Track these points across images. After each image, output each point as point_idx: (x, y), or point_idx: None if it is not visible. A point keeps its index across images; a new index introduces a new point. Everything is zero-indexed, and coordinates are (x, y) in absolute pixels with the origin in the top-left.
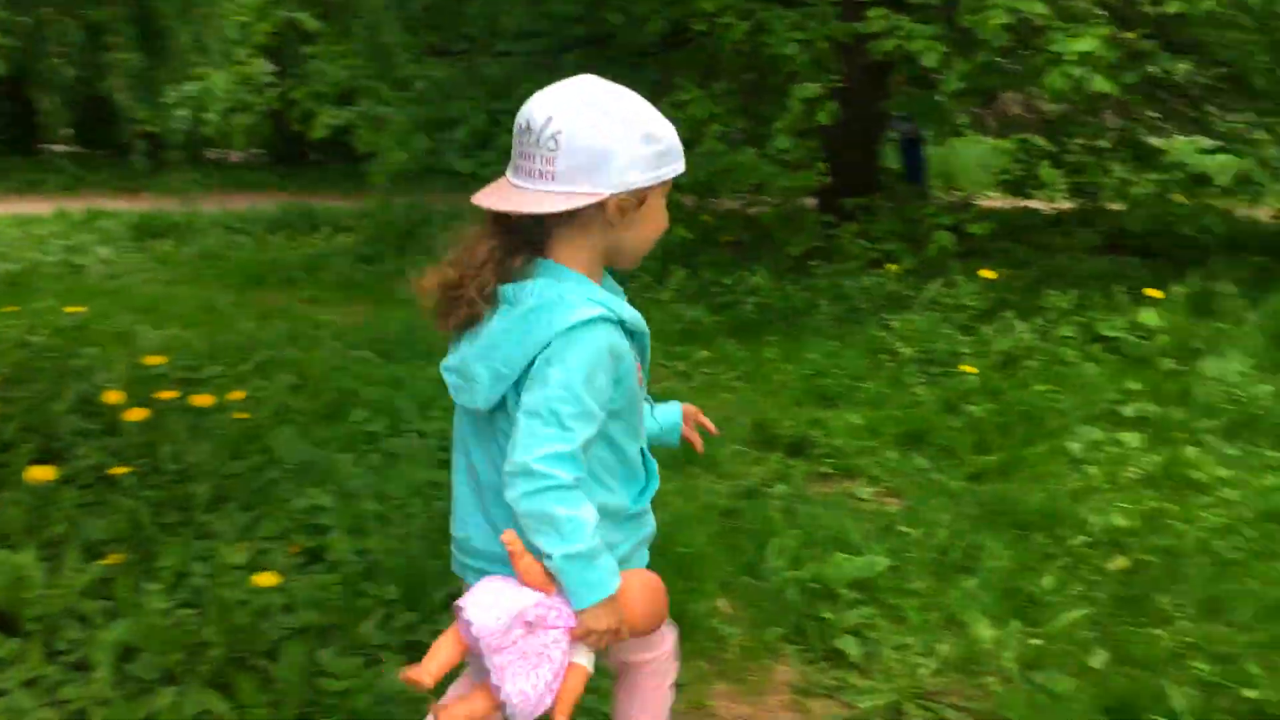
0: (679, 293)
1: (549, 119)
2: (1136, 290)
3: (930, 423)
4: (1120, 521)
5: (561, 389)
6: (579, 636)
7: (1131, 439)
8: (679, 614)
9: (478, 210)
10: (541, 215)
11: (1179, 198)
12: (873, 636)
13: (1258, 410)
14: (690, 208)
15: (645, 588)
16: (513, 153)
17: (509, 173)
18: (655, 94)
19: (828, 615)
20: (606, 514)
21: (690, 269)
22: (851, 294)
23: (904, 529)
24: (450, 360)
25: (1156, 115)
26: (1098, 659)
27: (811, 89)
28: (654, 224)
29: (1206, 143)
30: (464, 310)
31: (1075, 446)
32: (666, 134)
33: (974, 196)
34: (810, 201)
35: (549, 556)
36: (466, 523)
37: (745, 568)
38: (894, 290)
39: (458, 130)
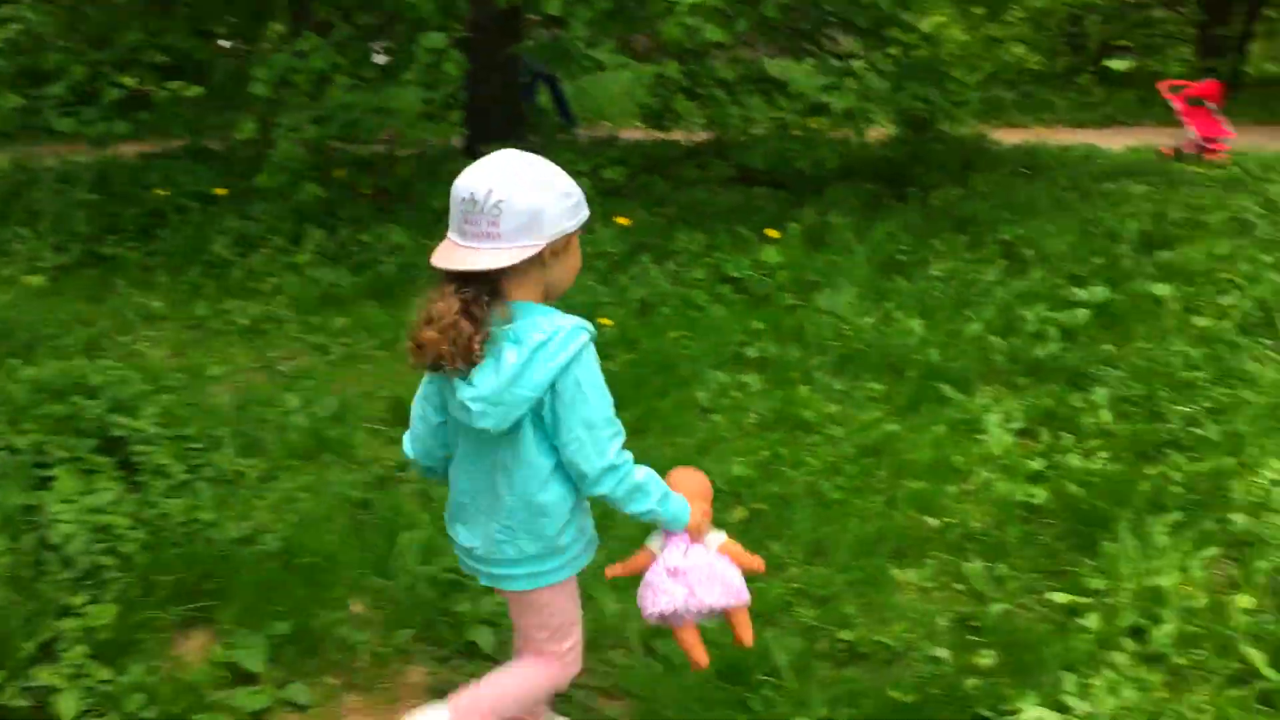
0: (318, 254)
1: (489, 191)
2: (762, 227)
3: None
4: (739, 470)
5: (599, 398)
6: (695, 537)
7: (754, 381)
8: (304, 628)
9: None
10: (485, 270)
11: (796, 129)
12: (506, 624)
13: (861, 344)
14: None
15: (686, 481)
16: (455, 219)
17: (454, 236)
18: (280, 42)
19: (461, 608)
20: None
21: (328, 228)
22: None
23: None
24: (476, 392)
25: (777, 48)
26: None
27: (438, 39)
28: (575, 259)
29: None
30: (461, 359)
31: (703, 395)
32: (575, 188)
33: (621, 129)
34: (458, 143)
35: (648, 511)
36: (468, 524)
37: (376, 566)
38: None
39: (55, 84)
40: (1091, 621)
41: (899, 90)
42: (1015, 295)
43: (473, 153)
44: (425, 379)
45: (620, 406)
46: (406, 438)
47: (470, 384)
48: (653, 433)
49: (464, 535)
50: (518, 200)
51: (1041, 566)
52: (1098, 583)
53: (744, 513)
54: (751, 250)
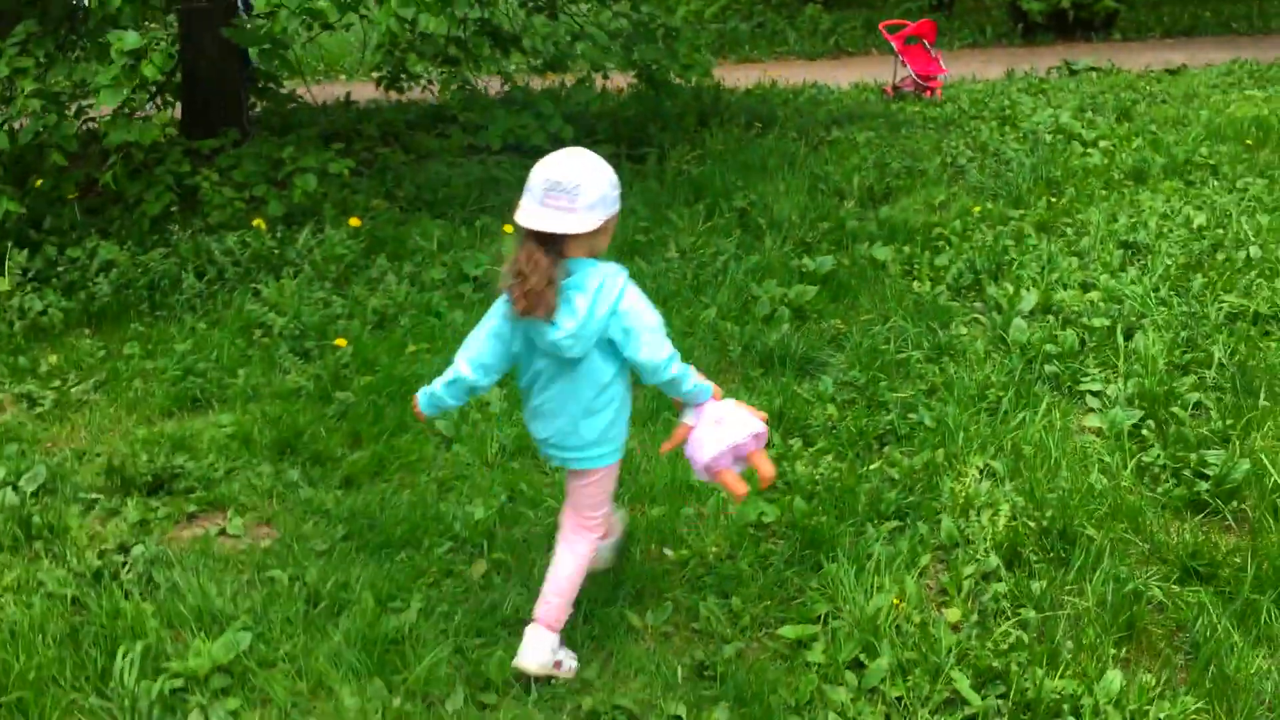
0: (22, 279)
1: (570, 176)
2: (503, 207)
3: (304, 418)
4: (480, 514)
5: (651, 312)
6: (719, 398)
7: (495, 400)
8: None
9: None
10: (566, 233)
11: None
12: None
13: None
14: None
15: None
16: (536, 193)
17: (537, 205)
18: None
19: None
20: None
21: (32, 247)
22: (219, 258)
23: (275, 572)
24: (565, 331)
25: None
26: (454, 701)
27: (132, 39)
28: (610, 233)
29: None
30: (546, 303)
31: (444, 422)
32: (617, 180)
33: (358, 84)
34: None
35: (691, 388)
36: (549, 423)
37: (94, 685)
38: (265, 248)
39: None
40: (816, 655)
41: (629, 52)
42: (749, 271)
43: (192, 148)
44: (500, 320)
45: (357, 445)
46: (468, 364)
47: (555, 325)
48: (391, 470)
49: (540, 429)
50: (589, 185)
51: (773, 596)
52: (823, 607)
53: (483, 565)
54: (492, 241)
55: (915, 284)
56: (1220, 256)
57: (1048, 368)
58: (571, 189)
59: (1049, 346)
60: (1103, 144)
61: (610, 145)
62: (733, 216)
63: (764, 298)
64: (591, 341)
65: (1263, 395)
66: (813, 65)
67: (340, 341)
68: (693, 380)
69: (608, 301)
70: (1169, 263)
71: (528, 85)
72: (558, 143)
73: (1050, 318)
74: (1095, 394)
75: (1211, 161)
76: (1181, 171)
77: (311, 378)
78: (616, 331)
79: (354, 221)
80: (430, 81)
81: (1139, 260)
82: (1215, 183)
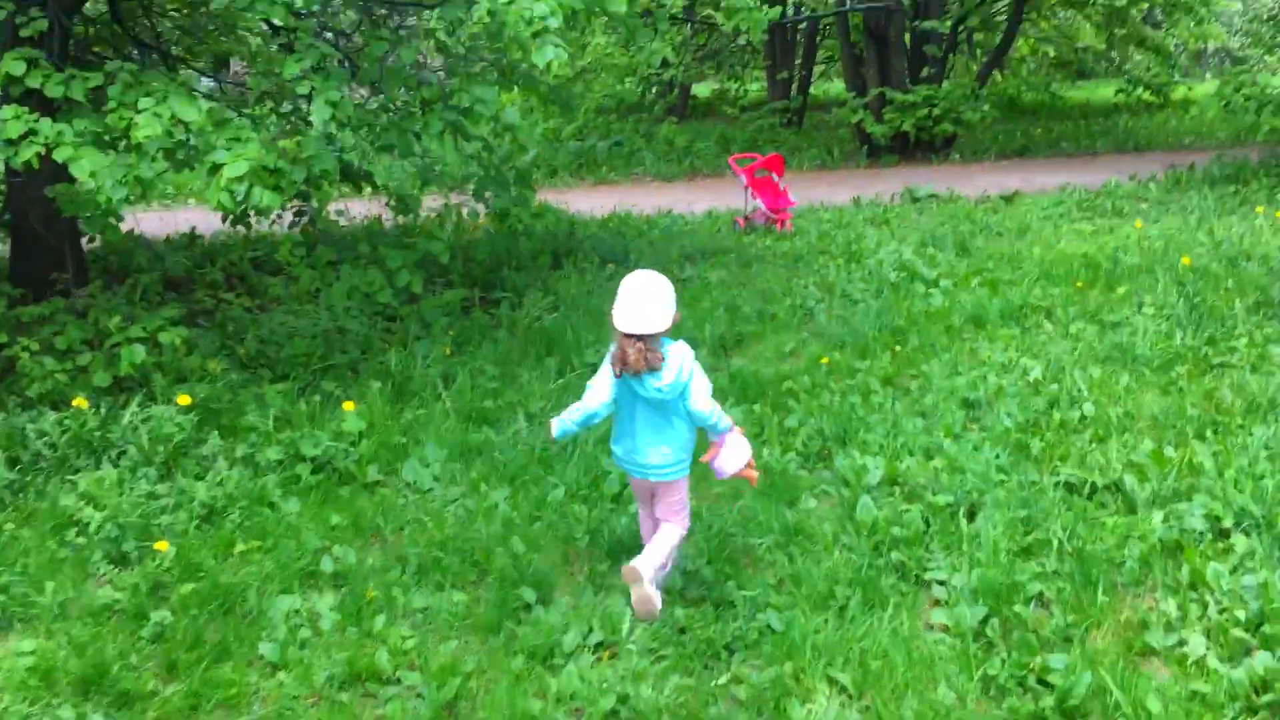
0: None
1: (651, 293)
2: (348, 369)
3: (114, 645)
4: None
5: (704, 379)
6: (735, 430)
7: (328, 612)
8: None
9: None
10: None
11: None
12: None
13: (444, 535)
14: None
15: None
16: (628, 305)
17: (632, 308)
18: None
19: None
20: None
21: None
22: (34, 442)
23: None
24: (662, 384)
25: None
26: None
27: None
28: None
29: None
30: (648, 369)
31: (270, 647)
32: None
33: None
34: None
35: (723, 426)
36: (638, 450)
37: None
38: (86, 429)
39: None
40: None
41: (479, 196)
42: (599, 440)
43: (10, 313)
44: (612, 386)
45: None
46: (599, 404)
47: (657, 376)
48: (207, 708)
49: (624, 451)
50: (664, 298)
51: None
52: None
53: None
54: (332, 415)
55: (765, 449)
56: (1056, 416)
57: (894, 554)
58: (649, 301)
59: (895, 529)
60: (943, 283)
61: (463, 289)
62: (585, 372)
63: (615, 473)
64: (675, 393)
65: (1101, 588)
66: (669, 188)
67: (161, 545)
68: (724, 423)
69: (684, 370)
70: (1008, 423)
71: (379, 221)
72: (411, 296)
73: (896, 490)
74: (941, 583)
75: (1045, 304)
76: (1018, 316)
77: (128, 588)
78: (685, 388)
79: (183, 400)
80: (279, 215)
81: (980, 419)
82: (1049, 326)
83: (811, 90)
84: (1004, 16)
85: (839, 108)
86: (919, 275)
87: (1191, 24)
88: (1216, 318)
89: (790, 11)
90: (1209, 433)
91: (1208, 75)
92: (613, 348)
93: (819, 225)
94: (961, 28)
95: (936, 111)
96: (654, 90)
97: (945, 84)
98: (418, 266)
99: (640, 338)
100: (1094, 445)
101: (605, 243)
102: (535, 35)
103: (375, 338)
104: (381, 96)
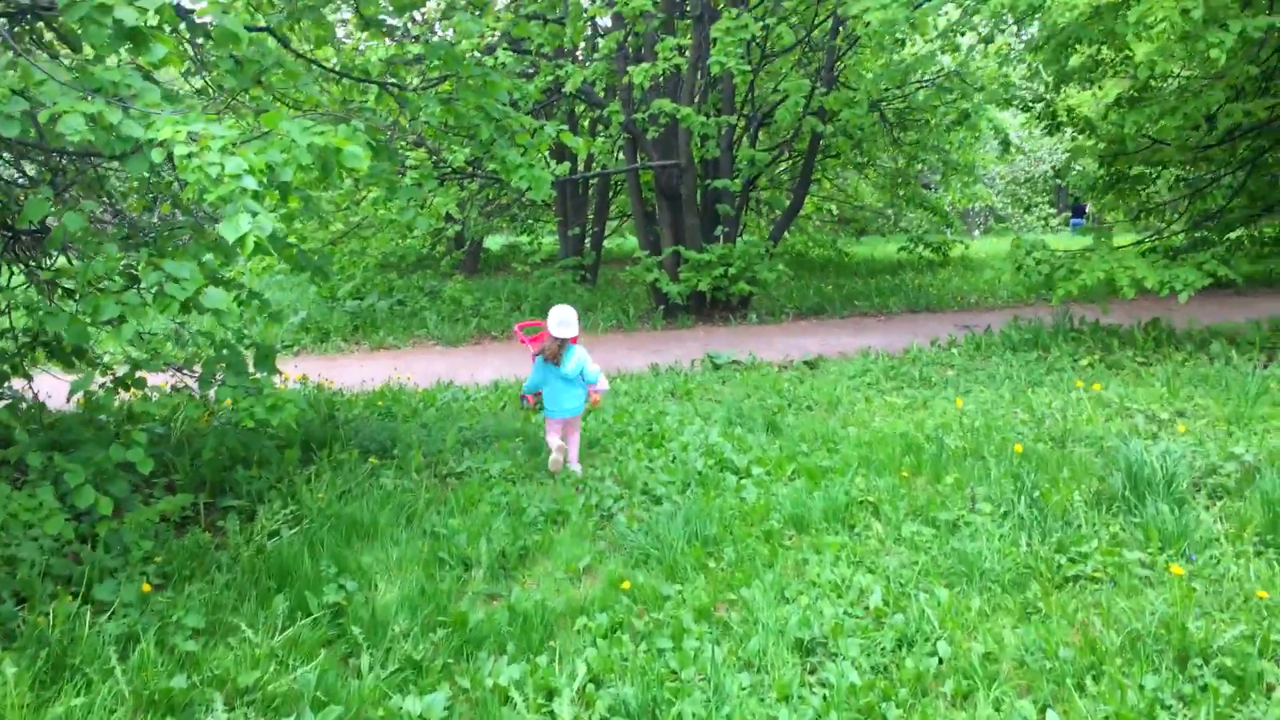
0: None
1: (571, 318)
2: (6, 638)
3: None
4: None
5: (591, 361)
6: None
7: None
8: None
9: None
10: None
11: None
12: None
13: None
14: None
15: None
16: (560, 322)
17: (561, 323)
18: None
19: None
20: None
21: None
22: None
23: None
24: (565, 370)
25: None
26: None
27: None
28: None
29: None
30: (557, 360)
31: None
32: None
33: None
34: None
35: (597, 376)
36: (563, 407)
37: None
38: None
39: None
40: None
41: (205, 381)
42: None
43: None
44: (539, 367)
45: None
46: (529, 389)
47: (565, 363)
48: None
49: (558, 410)
50: (576, 323)
51: None
52: None
53: None
54: None
55: None
56: (910, 665)
57: None
58: (570, 319)
59: None
60: (756, 471)
61: (187, 493)
62: (324, 617)
63: None
64: (577, 373)
65: None
66: (453, 353)
67: None
68: (600, 378)
69: (579, 359)
70: (854, 678)
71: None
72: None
73: None
74: None
75: (871, 498)
76: (843, 516)
77: None
78: (580, 367)
79: None
80: None
81: (819, 668)
82: (879, 527)
83: (605, 244)
84: (790, 176)
85: (633, 264)
86: (728, 464)
87: (960, 185)
88: (1058, 515)
89: (581, 167)
90: (1089, 682)
91: (976, 233)
92: (544, 345)
93: (616, 399)
94: (751, 188)
95: (732, 271)
96: (439, 245)
97: (739, 242)
98: (119, 471)
99: (561, 342)
100: (959, 706)
101: (369, 428)
102: (225, 201)
103: (49, 577)
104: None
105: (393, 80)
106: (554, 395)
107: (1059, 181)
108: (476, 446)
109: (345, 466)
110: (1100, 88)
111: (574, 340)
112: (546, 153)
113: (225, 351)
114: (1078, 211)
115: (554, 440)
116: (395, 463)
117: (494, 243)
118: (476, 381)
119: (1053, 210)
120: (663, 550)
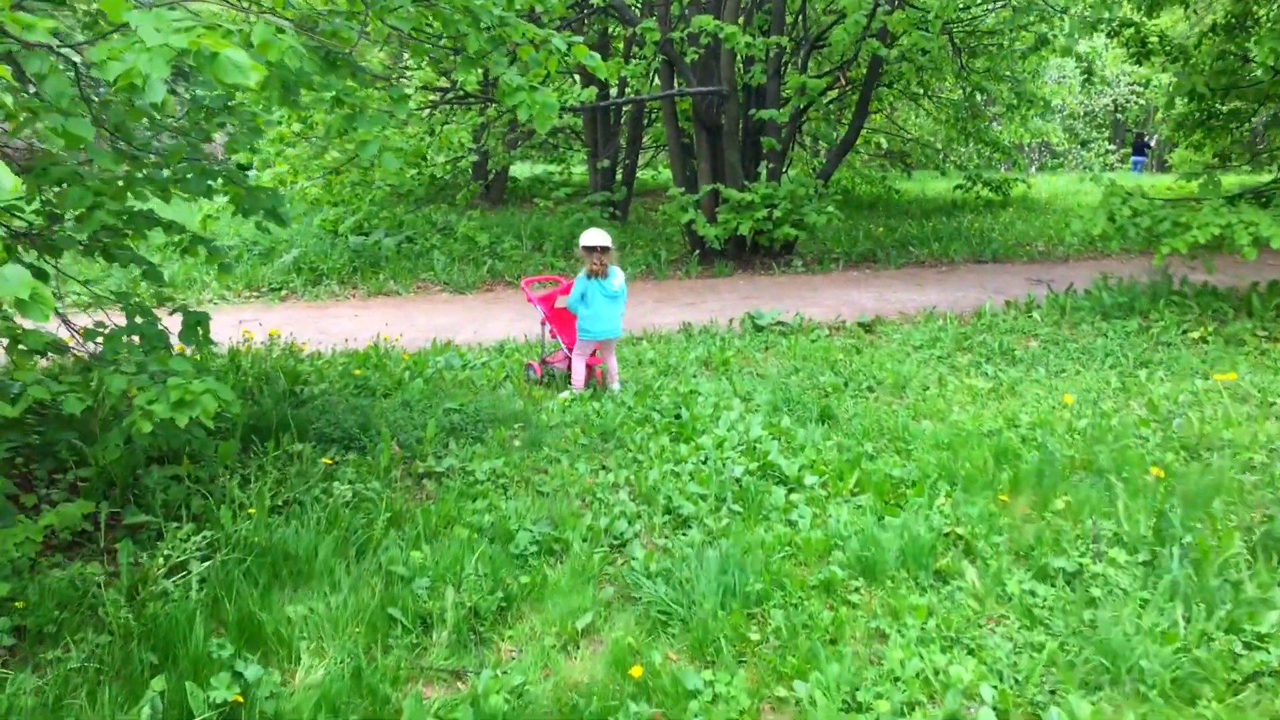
0: None
1: (604, 235)
2: None
3: None
4: None
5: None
6: None
7: None
8: None
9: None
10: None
11: None
12: None
13: None
14: None
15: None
16: (594, 234)
17: (594, 239)
18: None
19: None
20: None
21: None
22: None
23: None
24: (612, 288)
25: None
26: None
27: None
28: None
29: None
30: (602, 274)
31: None
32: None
33: None
34: None
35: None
36: (603, 327)
37: None
38: None
39: None
40: None
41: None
42: None
43: None
44: (580, 283)
45: None
46: (570, 304)
47: (610, 280)
48: None
49: (597, 330)
50: (604, 234)
51: None
52: None
53: None
54: None
55: None
56: None
57: None
58: (603, 235)
59: None
60: (809, 480)
61: (88, 501)
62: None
63: None
64: (623, 290)
65: None
66: (460, 301)
67: None
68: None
69: (623, 276)
70: None
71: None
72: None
73: None
74: None
75: (961, 532)
76: (925, 560)
77: None
78: (623, 286)
79: None
80: None
81: None
82: (976, 582)
83: (639, 175)
84: (839, 107)
85: (667, 201)
86: (774, 470)
87: (1021, 120)
88: (1212, 567)
89: (616, 93)
90: None
91: (1033, 169)
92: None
93: (640, 370)
94: (802, 120)
95: (777, 213)
96: (460, 175)
97: (785, 180)
98: None
99: (602, 255)
100: None
101: (337, 409)
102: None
103: None
104: None
105: None
106: (595, 315)
107: (1118, 116)
108: (464, 435)
109: (293, 467)
110: (1195, 11)
111: (608, 249)
112: (571, 73)
113: (140, 321)
114: (1139, 149)
115: (579, 372)
116: (361, 458)
117: (521, 171)
118: (480, 341)
119: (1111, 147)
120: (689, 610)
